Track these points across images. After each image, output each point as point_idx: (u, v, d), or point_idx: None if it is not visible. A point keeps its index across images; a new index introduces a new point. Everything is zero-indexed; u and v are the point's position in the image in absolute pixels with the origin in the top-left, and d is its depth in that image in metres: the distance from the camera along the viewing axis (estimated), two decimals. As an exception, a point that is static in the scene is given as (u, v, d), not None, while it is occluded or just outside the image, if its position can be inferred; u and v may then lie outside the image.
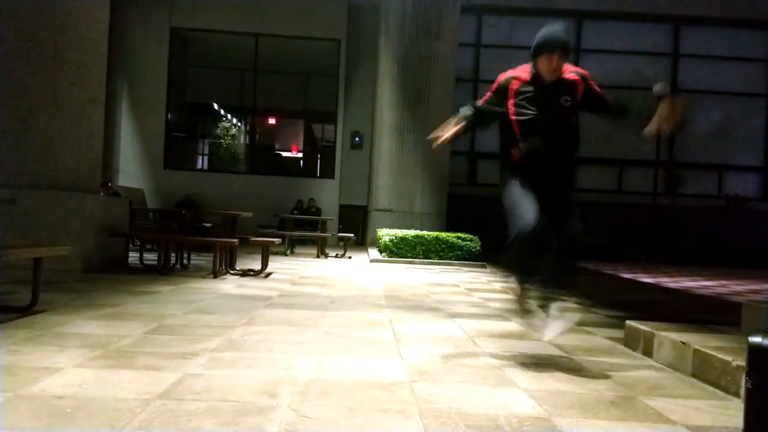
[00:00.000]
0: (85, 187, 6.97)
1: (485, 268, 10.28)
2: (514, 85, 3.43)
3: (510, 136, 3.47)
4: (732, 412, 2.63)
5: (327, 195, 16.42)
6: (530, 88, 3.40)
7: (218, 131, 19.02)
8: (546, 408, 2.56)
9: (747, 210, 16.36)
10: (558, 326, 3.24)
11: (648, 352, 3.72)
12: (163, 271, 6.86)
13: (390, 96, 13.70)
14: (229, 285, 6.21)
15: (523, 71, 3.46)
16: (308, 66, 17.30)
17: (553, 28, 3.39)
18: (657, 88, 14.94)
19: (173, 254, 7.56)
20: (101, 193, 8.40)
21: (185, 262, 7.80)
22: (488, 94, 3.52)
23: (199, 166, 19.13)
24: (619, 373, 3.28)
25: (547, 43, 3.32)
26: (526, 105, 3.39)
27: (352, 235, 12.44)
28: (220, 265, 7.03)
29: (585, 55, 17.04)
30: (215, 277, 6.71)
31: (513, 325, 4.65)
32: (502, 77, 3.48)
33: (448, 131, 3.41)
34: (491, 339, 4.06)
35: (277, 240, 8.07)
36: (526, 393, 2.78)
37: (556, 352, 3.75)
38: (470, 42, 16.68)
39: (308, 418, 2.28)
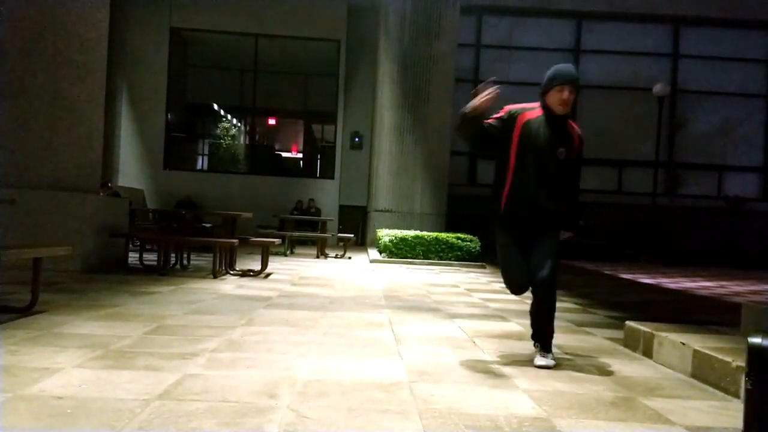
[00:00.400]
0: (84, 187, 6.97)
1: (485, 268, 10.27)
2: (524, 117, 3.35)
3: (503, 175, 3.41)
4: (732, 412, 2.63)
5: (327, 195, 16.43)
6: (540, 126, 3.34)
7: (218, 131, 19.02)
8: (545, 408, 2.56)
9: (747, 210, 16.36)
10: (541, 363, 3.37)
11: (648, 353, 3.72)
12: (163, 272, 6.86)
13: (390, 96, 13.70)
14: (229, 285, 6.21)
15: (533, 106, 3.42)
16: (308, 66, 17.31)
17: (566, 65, 3.44)
18: (657, 88, 14.94)
19: (173, 255, 7.56)
20: (101, 194, 8.39)
21: (185, 262, 7.80)
22: (497, 114, 3.39)
23: (198, 166, 19.12)
24: (619, 373, 3.28)
25: (561, 75, 3.33)
26: (530, 142, 3.32)
27: (352, 235, 12.44)
28: (220, 266, 7.03)
29: (584, 56, 17.07)
30: (215, 277, 6.71)
31: (512, 326, 4.65)
32: (512, 107, 3.40)
33: (482, 99, 3.21)
34: (491, 339, 4.06)
35: (277, 240, 8.07)
36: (525, 393, 2.78)
37: (556, 352, 3.75)
38: (470, 42, 16.69)
39: (308, 418, 2.28)
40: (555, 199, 3.37)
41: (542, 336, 3.47)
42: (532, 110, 3.38)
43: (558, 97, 3.31)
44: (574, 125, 3.45)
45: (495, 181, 3.48)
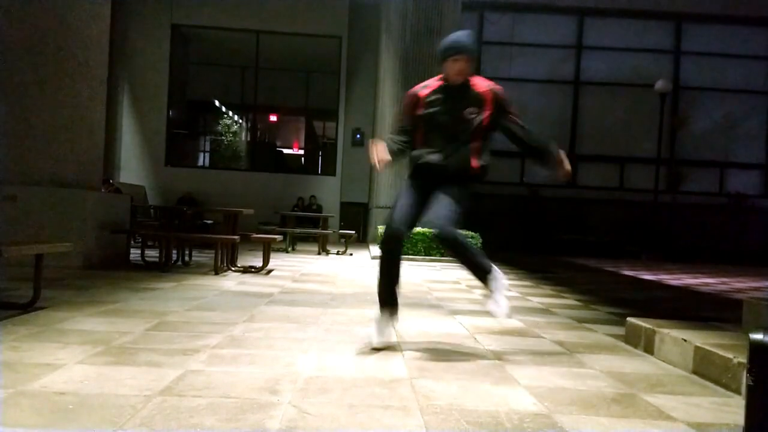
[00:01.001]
0: (86, 184, 6.97)
1: (486, 265, 10.26)
2: (423, 92, 3.53)
3: (413, 140, 3.58)
4: (733, 409, 2.63)
5: (328, 192, 16.42)
6: (439, 95, 3.49)
7: (219, 128, 19.01)
8: (547, 405, 2.56)
9: (749, 207, 16.34)
10: (500, 300, 3.41)
11: (649, 349, 3.72)
12: (165, 268, 6.87)
13: (391, 93, 13.68)
14: (231, 282, 6.21)
15: (433, 81, 3.57)
16: (309, 63, 17.29)
17: (459, 34, 3.56)
18: (658, 85, 14.91)
19: (174, 251, 7.56)
20: (102, 190, 8.40)
21: (186, 259, 7.81)
22: (401, 110, 3.63)
23: (200, 163, 19.13)
24: (620, 370, 3.28)
25: (453, 47, 3.45)
26: (433, 107, 3.47)
27: (353, 232, 12.44)
28: (222, 262, 7.03)
29: (586, 53, 17.04)
30: (216, 274, 6.72)
31: (514, 322, 4.65)
32: (410, 91, 3.59)
33: (382, 153, 3.42)
34: (492, 336, 4.06)
35: (279, 237, 8.07)
36: (526, 390, 2.78)
37: (557, 348, 3.75)
38: (472, 39, 16.65)
39: (309, 414, 2.29)
40: (466, 156, 3.47)
41: (479, 274, 3.48)
42: (425, 87, 3.54)
43: (454, 68, 3.44)
44: (478, 83, 3.52)
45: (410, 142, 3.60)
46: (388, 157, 3.42)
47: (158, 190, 15.81)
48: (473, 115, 3.44)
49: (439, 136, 3.48)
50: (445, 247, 3.51)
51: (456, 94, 3.48)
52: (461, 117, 3.45)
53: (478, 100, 3.47)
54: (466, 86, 3.49)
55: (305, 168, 19.64)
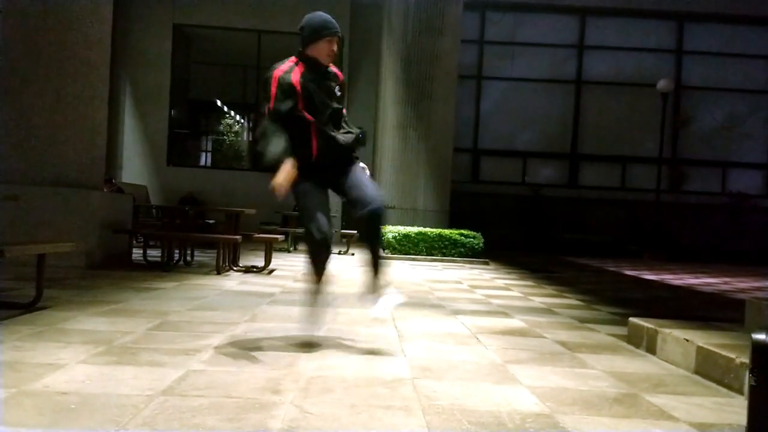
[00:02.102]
0: (88, 183, 6.97)
1: (488, 264, 10.27)
2: (295, 76, 3.33)
3: (303, 135, 3.33)
4: (735, 409, 2.63)
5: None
6: (311, 77, 3.36)
7: (221, 128, 19.02)
8: (549, 405, 2.56)
9: (751, 207, 16.31)
10: (386, 301, 3.48)
11: (651, 349, 3.72)
12: (167, 268, 6.87)
13: (393, 93, 13.67)
14: (232, 282, 6.22)
15: (293, 62, 3.41)
16: (311, 63, 17.29)
17: (322, 13, 3.48)
18: (660, 84, 14.89)
19: (176, 251, 7.57)
20: (105, 190, 8.41)
21: (188, 258, 7.81)
22: (273, 92, 3.30)
23: (202, 162, 19.13)
24: (622, 370, 3.28)
25: (332, 26, 3.41)
26: (313, 96, 3.34)
27: (355, 232, 12.43)
28: (224, 262, 7.03)
29: (588, 52, 17.02)
30: (218, 273, 6.72)
31: (516, 322, 4.65)
32: (278, 73, 3.34)
33: (283, 177, 3.20)
34: (494, 336, 4.06)
35: (280, 237, 8.07)
36: (528, 390, 2.78)
37: (559, 348, 3.75)
38: (473, 38, 16.64)
39: (311, 414, 2.29)
40: (345, 135, 3.46)
41: (377, 264, 3.49)
42: (290, 70, 3.35)
43: (328, 49, 3.38)
44: (331, 65, 3.51)
45: (292, 140, 3.30)
46: (290, 178, 3.19)
47: (160, 190, 15.81)
48: (339, 92, 3.46)
49: (328, 119, 3.38)
50: (375, 226, 3.40)
51: (326, 74, 3.42)
52: (337, 97, 3.43)
53: (337, 80, 3.49)
54: (327, 67, 3.45)
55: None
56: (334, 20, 3.45)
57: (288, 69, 3.38)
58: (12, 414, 2.14)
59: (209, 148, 19.62)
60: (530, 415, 2.42)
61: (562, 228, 15.95)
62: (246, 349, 3.29)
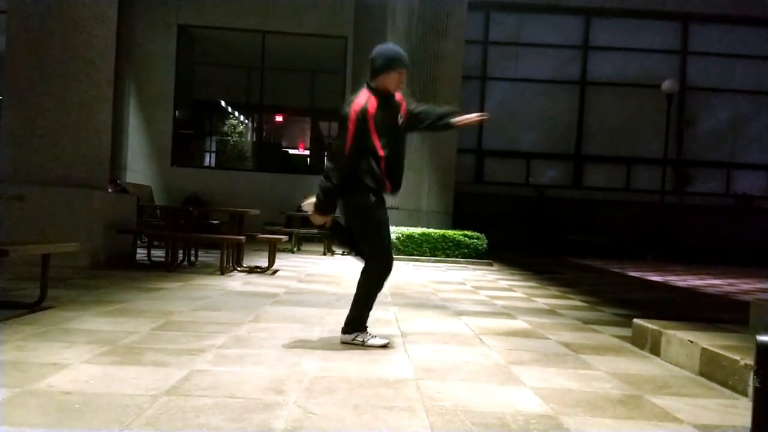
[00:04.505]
0: (93, 183, 6.99)
1: (492, 266, 10.26)
2: (371, 111, 3.39)
3: (378, 166, 3.43)
4: (740, 411, 2.62)
5: (334, 192, 16.39)
6: (384, 109, 3.44)
7: (225, 128, 19.05)
8: (552, 406, 2.56)
9: (756, 208, 16.25)
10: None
11: (655, 351, 3.71)
12: (171, 268, 6.89)
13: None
14: (236, 282, 6.22)
15: (367, 95, 3.45)
16: (315, 63, 17.29)
17: (394, 46, 3.67)
18: (665, 85, 14.85)
19: (180, 251, 7.57)
20: (109, 190, 8.43)
21: (192, 258, 7.82)
22: (352, 129, 3.34)
23: (206, 163, 19.16)
24: (626, 371, 3.27)
25: (404, 59, 3.54)
26: (386, 133, 3.43)
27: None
28: (227, 262, 7.04)
29: (592, 53, 16.99)
30: (222, 274, 6.73)
31: (519, 323, 4.64)
32: (356, 108, 3.37)
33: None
34: (497, 337, 4.05)
35: (284, 237, 8.08)
36: (532, 391, 2.77)
37: (563, 350, 3.75)
38: (477, 39, 16.63)
39: (314, 414, 2.29)
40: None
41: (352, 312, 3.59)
42: (366, 104, 3.40)
43: (398, 79, 3.51)
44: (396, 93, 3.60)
45: (359, 166, 3.40)
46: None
47: (164, 190, 15.83)
48: (404, 123, 3.58)
49: (399, 150, 3.55)
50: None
51: (394, 105, 3.53)
52: (401, 127, 3.57)
53: (400, 107, 3.57)
54: (394, 96, 3.56)
55: (311, 168, 19.65)
56: (404, 53, 3.58)
57: (364, 103, 3.42)
58: (16, 413, 2.14)
59: (213, 148, 19.64)
60: (534, 416, 2.42)
61: (566, 229, 15.92)
62: (250, 349, 3.29)
